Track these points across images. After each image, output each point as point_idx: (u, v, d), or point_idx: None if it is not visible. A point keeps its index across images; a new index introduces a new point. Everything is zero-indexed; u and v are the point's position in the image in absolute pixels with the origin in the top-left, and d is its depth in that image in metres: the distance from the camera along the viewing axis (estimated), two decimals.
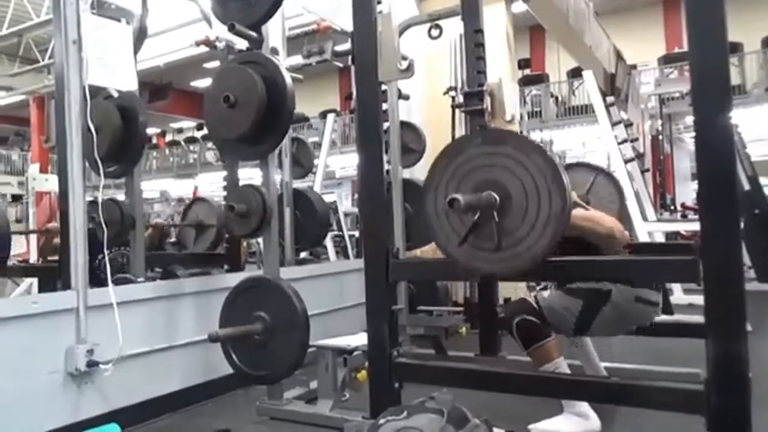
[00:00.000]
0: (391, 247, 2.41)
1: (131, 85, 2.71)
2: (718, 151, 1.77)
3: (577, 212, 2.25)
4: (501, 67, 4.94)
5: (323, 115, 14.56)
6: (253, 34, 2.64)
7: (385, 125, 3.59)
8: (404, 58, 2.39)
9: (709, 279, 1.77)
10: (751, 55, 12.33)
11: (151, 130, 18.46)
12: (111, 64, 2.57)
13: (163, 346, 2.75)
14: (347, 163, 13.95)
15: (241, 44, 2.88)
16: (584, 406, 2.30)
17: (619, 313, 2.30)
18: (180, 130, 21.38)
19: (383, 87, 2.73)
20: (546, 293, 2.41)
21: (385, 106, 3.42)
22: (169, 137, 21.41)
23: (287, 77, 2.62)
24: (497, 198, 1.79)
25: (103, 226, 2.59)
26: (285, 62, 4.29)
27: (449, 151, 1.93)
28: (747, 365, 1.73)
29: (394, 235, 3.64)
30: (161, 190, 15.32)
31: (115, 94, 2.98)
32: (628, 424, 2.35)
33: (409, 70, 2.33)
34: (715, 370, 1.75)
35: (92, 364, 2.34)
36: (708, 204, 1.79)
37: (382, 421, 1.86)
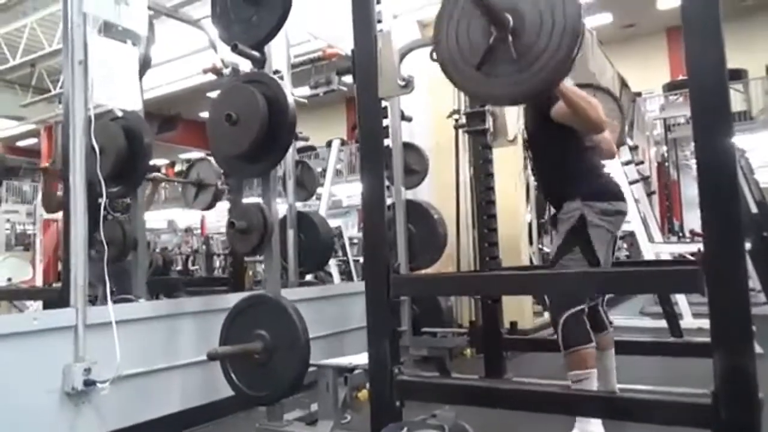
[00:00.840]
0: (392, 263, 2.41)
1: (136, 105, 2.75)
2: (719, 161, 1.75)
3: (577, 89, 2.28)
4: None
5: (330, 144, 14.70)
6: (255, 53, 2.68)
7: (387, 143, 3.60)
8: (403, 80, 2.41)
9: (714, 290, 1.74)
10: (756, 81, 12.37)
11: (160, 161, 18.69)
12: (116, 84, 2.61)
13: (163, 367, 2.71)
14: (353, 191, 14.02)
15: (247, 68, 2.94)
16: (595, 426, 2.24)
17: (598, 231, 2.34)
18: (189, 161, 21.65)
19: (385, 105, 2.74)
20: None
21: (386, 122, 3.43)
22: (178, 167, 21.66)
23: (289, 96, 2.66)
24: (510, 18, 1.78)
25: (104, 245, 2.60)
26: (292, 91, 4.36)
27: None
28: (755, 377, 1.68)
29: (397, 254, 3.63)
30: (169, 220, 15.41)
31: (120, 114, 3.01)
32: None
33: (408, 87, 2.35)
34: (723, 383, 1.71)
35: (89, 383, 2.31)
36: (710, 214, 1.77)
37: None
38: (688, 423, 1.85)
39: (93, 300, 2.79)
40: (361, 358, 2.56)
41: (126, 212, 3.42)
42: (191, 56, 6.11)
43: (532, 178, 6.80)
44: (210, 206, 4.49)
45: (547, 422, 2.27)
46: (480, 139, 3.60)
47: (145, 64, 3.24)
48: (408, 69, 2.33)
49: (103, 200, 2.60)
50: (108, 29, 2.93)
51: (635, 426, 2.42)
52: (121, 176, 2.99)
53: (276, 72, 2.93)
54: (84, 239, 2.49)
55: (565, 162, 2.47)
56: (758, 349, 3.87)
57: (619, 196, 2.47)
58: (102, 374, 2.36)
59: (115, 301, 2.67)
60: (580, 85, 2.45)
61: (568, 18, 1.75)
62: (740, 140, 10.43)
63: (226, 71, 3.87)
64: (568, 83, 2.23)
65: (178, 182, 5.47)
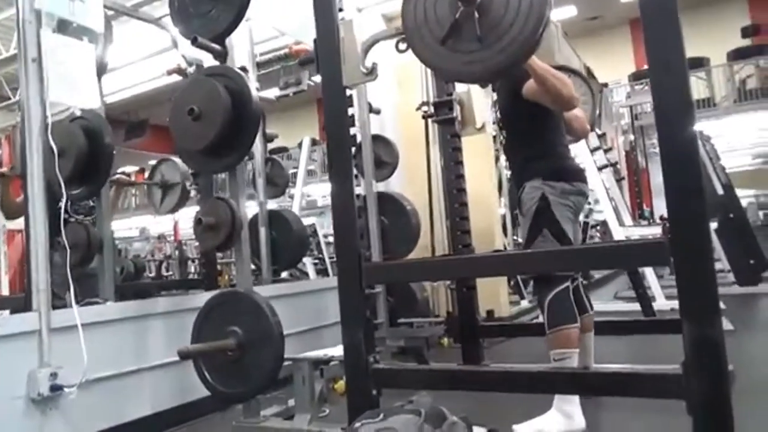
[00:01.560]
0: (363, 252, 2.38)
1: (94, 103, 2.68)
2: (682, 144, 1.77)
3: (547, 66, 2.27)
4: None
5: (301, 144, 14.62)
6: (216, 46, 2.64)
7: (354, 132, 3.56)
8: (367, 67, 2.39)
9: (681, 263, 1.76)
10: (718, 68, 12.66)
11: (129, 168, 18.35)
12: (72, 81, 2.54)
13: (133, 369, 2.65)
14: (328, 191, 13.93)
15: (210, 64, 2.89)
16: (574, 406, 2.25)
17: (563, 207, 2.38)
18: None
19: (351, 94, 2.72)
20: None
21: (353, 111, 3.37)
22: (148, 174, 21.29)
23: (254, 89, 2.62)
24: None
25: (67, 248, 2.53)
26: (257, 86, 4.31)
27: None
28: (723, 348, 1.70)
29: (370, 246, 3.61)
30: (140, 228, 15.14)
31: (79, 114, 2.94)
32: (612, 422, 2.31)
33: (372, 74, 2.33)
34: (692, 354, 1.73)
35: (56, 389, 2.25)
36: (674, 185, 1.79)
37: (358, 424, 1.80)
38: (661, 395, 1.87)
39: (62, 306, 2.72)
40: (337, 350, 2.54)
41: (90, 215, 3.34)
42: (154, 57, 6.01)
43: (504, 171, 6.87)
44: (177, 208, 4.40)
45: (525, 405, 2.29)
46: (448, 128, 3.60)
47: (103, 64, 3.17)
48: (376, 64, 2.32)
49: (63, 202, 2.53)
50: (64, 27, 2.85)
51: (611, 405, 2.47)
52: (82, 178, 2.90)
53: (242, 68, 2.89)
54: (44, 242, 2.42)
55: (530, 141, 2.49)
56: (728, 325, 3.97)
57: (580, 177, 2.50)
58: (69, 379, 2.29)
59: (81, 305, 2.61)
60: (557, 67, 2.46)
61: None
62: (704, 127, 10.67)
63: (191, 70, 3.81)
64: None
65: (141, 184, 5.34)
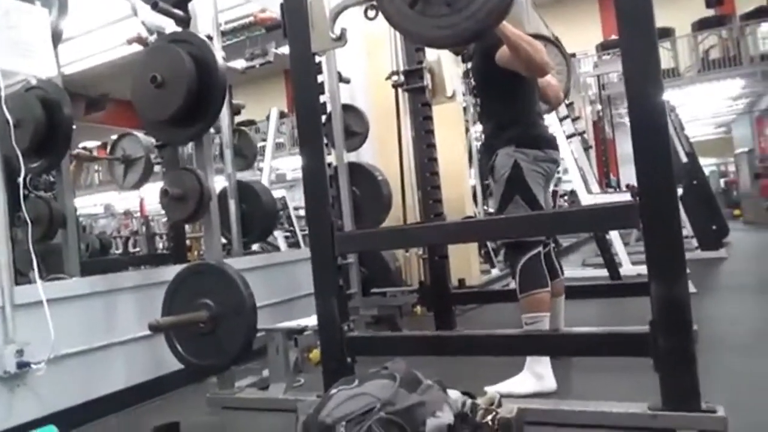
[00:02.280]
0: (335, 221, 2.37)
1: (51, 71, 2.56)
2: (651, 107, 1.80)
3: (520, 32, 2.27)
4: None
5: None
6: (179, 12, 2.54)
7: (324, 100, 3.51)
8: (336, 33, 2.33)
9: (649, 224, 1.80)
10: (683, 38, 12.82)
11: (90, 143, 17.82)
12: (26, 47, 2.42)
13: (104, 344, 2.60)
14: (298, 165, 13.80)
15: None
16: (544, 367, 2.29)
17: (533, 175, 2.39)
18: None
19: (319, 60, 2.66)
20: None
21: (322, 79, 3.30)
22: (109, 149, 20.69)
23: (219, 57, 2.54)
24: None
25: (28, 222, 2.44)
26: (223, 55, 4.19)
27: None
28: (689, 306, 1.76)
29: (342, 217, 3.59)
30: (105, 204, 14.78)
31: (34, 83, 2.81)
32: (582, 382, 2.37)
33: (341, 40, 2.28)
34: (659, 312, 1.78)
35: (23, 365, 2.19)
36: (643, 150, 1.81)
37: (333, 391, 1.80)
38: (630, 354, 1.93)
39: (26, 283, 2.64)
40: (311, 320, 2.54)
41: (51, 189, 3.23)
42: (113, 25, 5.78)
43: (474, 143, 6.89)
44: (141, 183, 4.29)
45: (497, 369, 2.33)
46: (419, 97, 3.57)
47: (58, 32, 3.02)
48: (345, 30, 2.27)
49: (21, 175, 2.43)
50: None
51: (581, 366, 2.53)
52: (41, 150, 2.80)
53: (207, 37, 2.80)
54: (4, 217, 2.32)
55: (504, 107, 2.48)
56: (692, 288, 4.10)
57: (552, 145, 2.51)
58: (37, 355, 2.24)
59: (46, 281, 2.54)
60: (532, 36, 2.45)
61: None
62: (669, 96, 10.85)
63: (152, 39, 3.68)
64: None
65: (103, 159, 5.18)
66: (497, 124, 2.49)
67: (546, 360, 2.28)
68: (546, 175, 2.47)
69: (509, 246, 2.48)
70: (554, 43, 3.18)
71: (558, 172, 6.53)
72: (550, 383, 2.27)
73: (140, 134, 4.31)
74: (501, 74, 2.40)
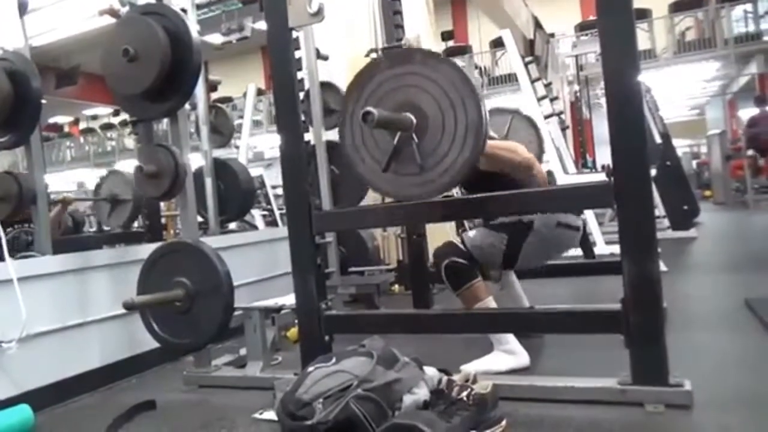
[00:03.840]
0: (313, 200, 2.36)
1: (15, 41, 2.48)
2: (627, 85, 1.81)
3: (494, 142, 2.26)
4: (420, 23, 4.92)
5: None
6: None
7: (301, 76, 3.48)
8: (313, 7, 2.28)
9: (622, 203, 1.83)
10: (659, 20, 12.91)
11: (62, 119, 17.40)
12: None
13: (77, 322, 2.57)
14: (275, 143, 13.67)
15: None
16: (513, 344, 2.33)
17: (543, 241, 2.34)
18: (95, 117, 20.20)
19: (296, 36, 2.62)
20: (471, 233, 2.40)
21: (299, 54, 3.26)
22: (83, 125, 20.20)
23: (194, 30, 2.48)
24: (413, 119, 1.77)
25: None
26: (198, 29, 4.09)
27: (359, 81, 1.89)
28: (659, 283, 1.80)
29: (320, 196, 3.58)
30: (78, 182, 14.48)
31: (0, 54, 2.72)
32: (555, 359, 2.42)
33: (319, 15, 2.24)
34: (631, 289, 1.81)
35: None
36: (618, 130, 1.83)
37: (311, 368, 1.81)
38: (600, 330, 1.97)
39: None
40: (288, 299, 2.54)
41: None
42: None
43: None
44: (129, 224, 4.27)
45: (473, 347, 2.36)
46: None
47: (23, 2, 2.92)
48: (323, 5, 2.23)
49: None
50: None
51: (552, 343, 2.58)
52: (9, 124, 2.71)
53: (181, 10, 2.72)
54: None
55: None
56: (663, 267, 4.19)
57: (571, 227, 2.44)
58: (8, 334, 2.21)
59: (16, 259, 2.49)
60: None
61: (470, 118, 1.74)
62: (644, 77, 10.95)
63: (124, 11, 3.57)
64: None
65: (88, 200, 5.15)
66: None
67: (512, 337, 2.32)
68: (563, 243, 2.45)
69: (445, 245, 2.43)
70: (518, 112, 3.13)
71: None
72: (523, 358, 2.31)
73: (127, 172, 4.25)
74: (492, 177, 2.30)
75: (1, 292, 2.24)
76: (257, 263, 3.67)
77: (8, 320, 2.22)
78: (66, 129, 19.73)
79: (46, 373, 2.40)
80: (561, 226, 2.37)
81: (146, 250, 2.62)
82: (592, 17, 13.51)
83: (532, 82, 5.47)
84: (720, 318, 2.94)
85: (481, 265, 2.40)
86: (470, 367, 2.29)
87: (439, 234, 4.94)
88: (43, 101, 2.78)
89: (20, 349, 2.25)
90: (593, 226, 5.69)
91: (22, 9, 2.93)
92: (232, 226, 4.56)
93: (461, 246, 2.35)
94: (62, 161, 17.00)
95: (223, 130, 4.29)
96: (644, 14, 12.54)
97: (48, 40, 6.74)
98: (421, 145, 1.81)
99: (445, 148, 1.78)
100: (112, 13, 3.90)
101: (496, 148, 2.22)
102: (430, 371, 1.86)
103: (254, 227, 6.53)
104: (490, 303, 2.32)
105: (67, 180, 15.25)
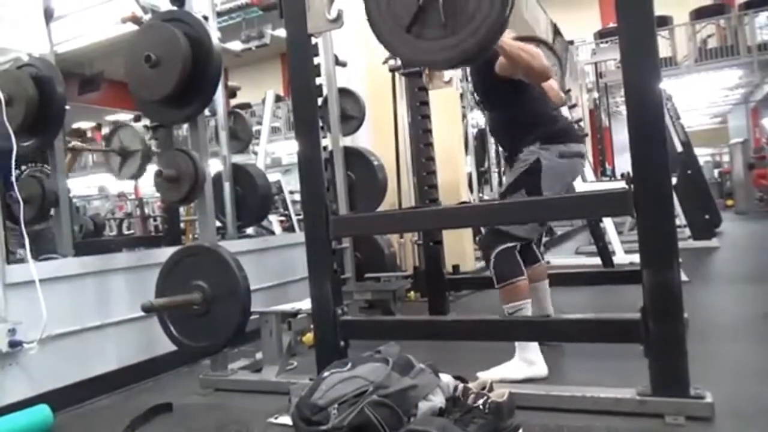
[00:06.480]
0: (330, 204, 2.36)
1: (42, 47, 2.53)
2: (648, 94, 1.79)
3: (516, 42, 2.26)
4: None
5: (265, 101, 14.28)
6: None
7: (320, 82, 3.50)
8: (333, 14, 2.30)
9: (642, 211, 1.80)
10: (681, 27, 12.77)
11: (85, 124, 17.66)
12: (16, 23, 2.39)
13: (96, 324, 2.60)
14: (293, 149, 13.74)
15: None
16: (534, 353, 2.30)
17: (555, 172, 2.37)
18: (115, 123, 20.49)
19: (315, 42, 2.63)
20: None
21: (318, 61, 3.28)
22: (105, 131, 20.49)
23: (214, 36, 2.51)
24: None
25: (20, 201, 2.42)
26: (219, 35, 4.14)
27: None
28: (680, 293, 1.77)
29: (337, 201, 3.58)
30: (99, 186, 14.68)
31: (26, 60, 2.77)
32: (573, 368, 2.39)
33: (338, 21, 2.26)
34: (651, 298, 1.79)
35: (15, 344, 2.19)
36: (639, 137, 1.81)
37: (326, 374, 1.81)
38: (620, 340, 1.94)
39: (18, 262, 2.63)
40: (305, 304, 2.55)
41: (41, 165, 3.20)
42: (107, 4, 5.71)
43: (470, 129, 6.86)
44: (138, 175, 4.28)
45: (490, 355, 2.34)
46: (415, 81, 3.55)
47: (49, 9, 2.98)
48: (342, 11, 2.24)
49: (13, 154, 2.41)
50: None
51: (571, 353, 2.55)
52: (34, 128, 2.76)
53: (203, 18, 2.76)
54: None
55: (519, 114, 2.46)
56: (684, 277, 4.13)
57: (575, 138, 2.49)
58: (29, 335, 2.24)
59: (39, 261, 2.53)
60: (523, 38, 2.43)
61: None
62: (666, 85, 10.84)
63: (146, 18, 3.63)
64: (507, 36, 2.20)
65: (99, 151, 5.17)
66: (517, 134, 2.46)
67: (535, 346, 2.30)
68: (570, 171, 2.46)
69: (483, 238, 2.47)
70: (546, 43, 3.13)
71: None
72: (541, 368, 2.29)
73: (138, 125, 4.29)
74: (505, 84, 2.37)
75: (23, 293, 2.27)
76: (274, 268, 3.68)
77: (30, 321, 2.25)
78: (89, 134, 20.04)
79: (66, 374, 2.44)
80: (565, 156, 2.39)
81: (165, 253, 2.65)
82: (612, 24, 13.44)
83: None
84: (742, 329, 2.88)
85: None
86: (486, 375, 2.28)
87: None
88: (67, 107, 2.83)
89: (40, 350, 2.28)
90: (612, 235, 5.62)
91: (49, 16, 3.00)
92: (250, 230, 4.58)
93: (503, 228, 2.33)
94: (84, 166, 17.23)
95: (241, 136, 4.33)
96: (665, 21, 12.42)
97: (72, 47, 6.87)
98: (446, 5, 1.75)
99: (471, 10, 1.72)
100: (135, 20, 3.98)
101: (517, 47, 2.22)
102: (446, 378, 1.85)
103: (271, 232, 6.56)
104: (528, 306, 2.31)
105: (89, 185, 15.45)
